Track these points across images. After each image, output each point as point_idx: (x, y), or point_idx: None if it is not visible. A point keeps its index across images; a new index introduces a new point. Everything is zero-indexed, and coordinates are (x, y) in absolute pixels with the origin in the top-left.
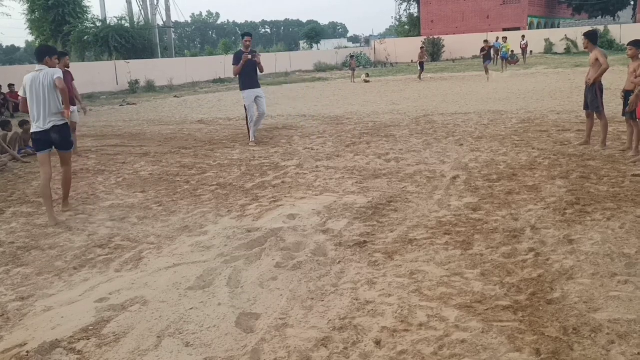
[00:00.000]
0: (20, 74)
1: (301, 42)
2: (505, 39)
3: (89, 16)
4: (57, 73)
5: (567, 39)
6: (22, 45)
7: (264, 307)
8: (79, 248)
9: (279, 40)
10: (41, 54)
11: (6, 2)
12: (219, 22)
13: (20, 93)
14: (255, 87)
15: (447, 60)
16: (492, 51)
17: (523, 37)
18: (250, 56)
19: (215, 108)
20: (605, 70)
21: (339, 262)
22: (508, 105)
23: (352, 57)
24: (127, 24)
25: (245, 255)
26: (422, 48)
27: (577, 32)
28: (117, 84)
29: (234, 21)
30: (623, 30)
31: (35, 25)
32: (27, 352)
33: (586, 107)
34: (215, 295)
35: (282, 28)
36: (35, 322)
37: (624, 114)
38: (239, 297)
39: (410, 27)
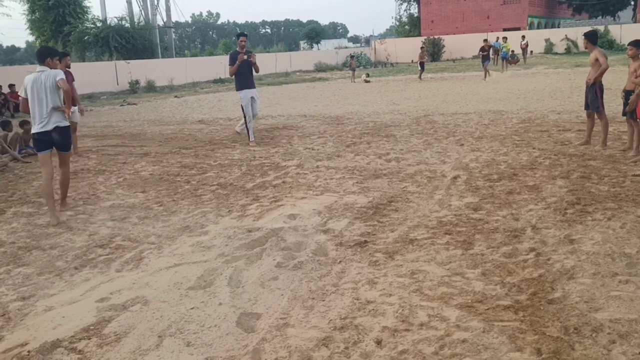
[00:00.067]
0: (20, 74)
1: (301, 42)
2: (505, 39)
3: (89, 16)
4: (59, 74)
5: (568, 39)
6: (23, 45)
7: (265, 306)
8: (80, 248)
9: (279, 41)
10: (42, 55)
11: (6, 2)
12: (219, 22)
13: (21, 93)
14: (251, 87)
15: (448, 60)
16: (491, 51)
17: (523, 37)
18: (245, 56)
19: (215, 108)
20: (604, 70)
21: (340, 261)
22: (508, 105)
23: (352, 57)
24: (127, 24)
25: (246, 255)
26: (422, 48)
27: (577, 32)
28: (118, 84)
29: (234, 21)
30: (623, 31)
31: (35, 25)
32: (28, 351)
33: (587, 107)
34: (216, 295)
35: (282, 28)
36: (37, 322)
37: (624, 114)
38: (239, 297)
39: (410, 27)
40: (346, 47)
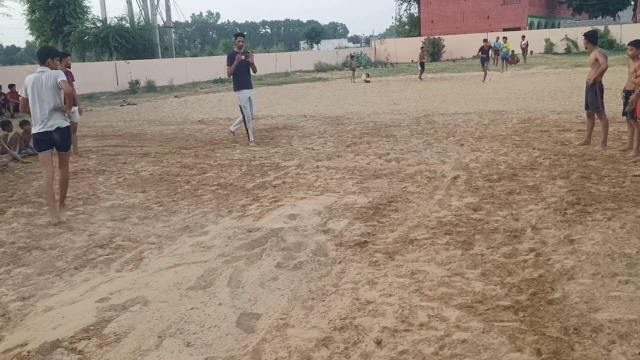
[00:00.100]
0: (20, 74)
1: (301, 42)
2: (505, 39)
3: (89, 16)
4: (60, 75)
5: (568, 39)
6: (23, 45)
7: (265, 307)
8: (80, 248)
9: (279, 41)
10: (43, 55)
11: (6, 2)
12: (219, 22)
13: (21, 93)
14: (248, 87)
15: (447, 60)
16: (491, 51)
17: (523, 37)
18: (243, 56)
19: (215, 108)
20: (604, 70)
21: (340, 262)
22: (508, 105)
23: (352, 57)
24: (127, 24)
25: (246, 255)
26: (422, 48)
27: (577, 32)
28: (118, 84)
29: (234, 21)
30: (623, 31)
31: (35, 25)
32: (28, 352)
33: (587, 107)
34: (216, 295)
35: (283, 28)
36: (36, 322)
37: (624, 114)
38: (239, 297)
39: (410, 27)
40: (346, 47)
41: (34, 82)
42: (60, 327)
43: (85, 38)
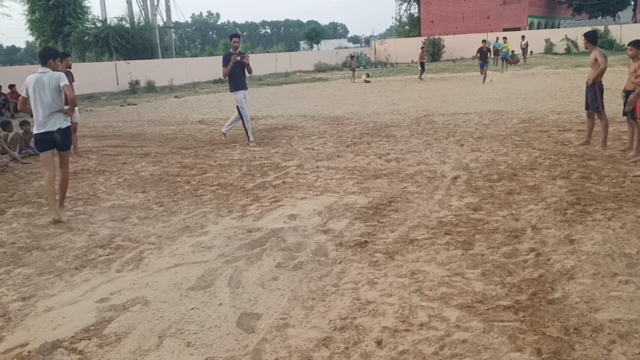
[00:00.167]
0: (20, 74)
1: (301, 43)
2: (505, 39)
3: (89, 17)
4: (63, 79)
5: (568, 39)
6: (23, 45)
7: (265, 307)
8: (80, 248)
9: (279, 41)
10: (45, 56)
11: (6, 2)
12: (219, 22)
13: (21, 92)
14: (244, 88)
15: (447, 60)
16: (491, 52)
17: (523, 37)
18: (239, 57)
19: (215, 108)
20: (603, 70)
21: (340, 262)
22: (508, 106)
23: (352, 57)
24: (127, 25)
25: (246, 256)
26: (422, 48)
27: (577, 32)
28: (118, 84)
29: (234, 21)
30: (623, 31)
31: (35, 25)
32: (29, 352)
33: (587, 107)
34: (216, 295)
35: (283, 28)
36: (37, 322)
37: (624, 114)
38: (240, 297)
39: (410, 27)
40: (346, 47)
41: (35, 82)
42: (60, 327)
43: (85, 38)
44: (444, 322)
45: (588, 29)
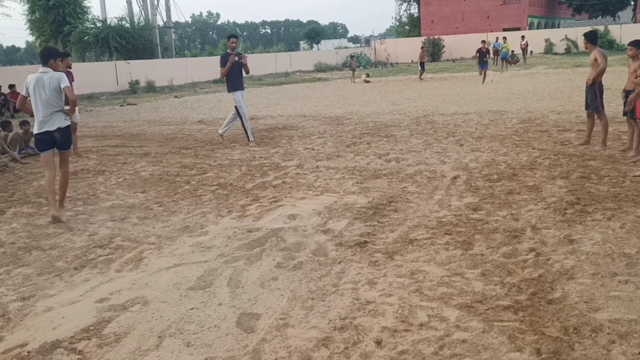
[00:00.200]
0: (20, 74)
1: (301, 43)
2: (505, 39)
3: (89, 16)
4: (64, 80)
5: (568, 39)
6: (23, 45)
7: (265, 307)
8: (80, 248)
9: (279, 41)
10: (46, 56)
11: (6, 2)
12: (219, 22)
13: (21, 91)
14: (241, 88)
15: (447, 60)
16: (491, 52)
17: (523, 37)
18: (237, 58)
19: (215, 108)
20: (603, 70)
21: (340, 262)
22: (508, 106)
23: (352, 57)
24: (127, 25)
25: (245, 256)
26: (422, 48)
27: (577, 32)
28: (118, 84)
29: (234, 21)
30: (623, 31)
31: (35, 25)
32: (28, 352)
33: (587, 107)
34: (215, 295)
35: (282, 28)
36: (36, 322)
37: (624, 114)
38: (239, 297)
39: (410, 27)
40: (346, 47)
41: (35, 82)
42: (60, 327)
43: (85, 38)
44: (443, 322)
45: (588, 29)
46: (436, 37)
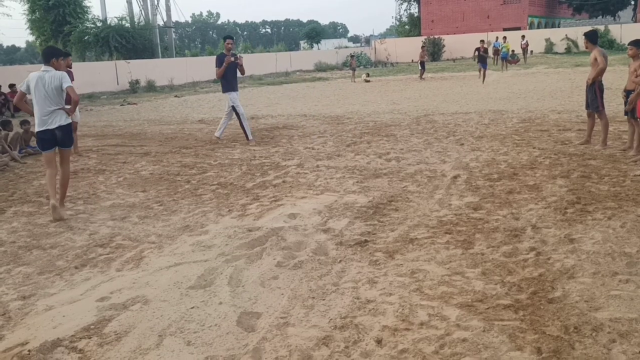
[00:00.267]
0: (20, 74)
1: (301, 42)
2: (504, 38)
3: (90, 16)
4: (66, 80)
5: (568, 38)
6: (23, 45)
7: (265, 306)
8: (80, 247)
9: (280, 40)
10: (48, 55)
11: (6, 2)
12: (219, 22)
13: (21, 88)
14: (236, 89)
15: (448, 60)
16: (491, 51)
17: (523, 37)
18: (232, 58)
19: (215, 108)
20: (603, 70)
21: (340, 261)
22: (509, 105)
23: (352, 56)
24: (127, 24)
25: (246, 255)
26: (423, 47)
27: (577, 31)
28: (118, 84)
29: (234, 21)
30: (623, 30)
31: (35, 25)
32: (29, 350)
33: (587, 106)
34: (216, 294)
35: (283, 28)
36: (37, 321)
37: (625, 113)
38: (240, 296)
39: (410, 27)
40: (346, 47)
41: (37, 80)
42: (60, 326)
43: (86, 38)
44: (444, 321)
45: (588, 28)
46: (436, 36)
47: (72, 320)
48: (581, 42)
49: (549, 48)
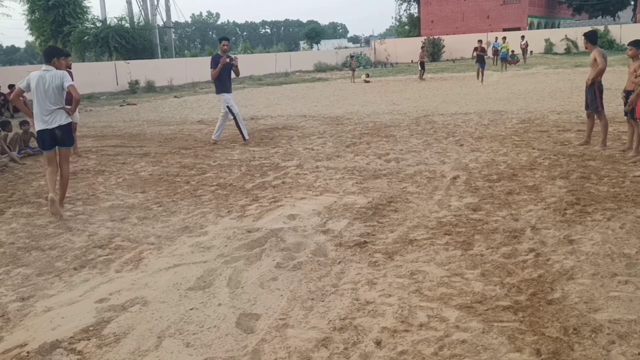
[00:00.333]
0: (20, 74)
1: (301, 43)
2: (504, 38)
3: (89, 16)
4: (67, 80)
5: (567, 39)
6: (22, 45)
7: (264, 307)
8: (79, 248)
9: (279, 41)
10: (49, 54)
11: (6, 2)
12: (219, 22)
13: (20, 85)
14: (230, 91)
15: (447, 60)
16: (491, 51)
17: (522, 37)
18: (228, 59)
19: (215, 108)
20: (602, 70)
21: (339, 262)
22: (508, 106)
23: (352, 57)
24: (127, 25)
25: (245, 256)
26: (422, 48)
27: (577, 32)
28: (117, 84)
29: (234, 21)
30: (623, 30)
31: (35, 25)
32: (28, 352)
33: (587, 107)
34: (215, 295)
35: (282, 28)
36: (36, 323)
37: (625, 114)
38: (239, 298)
39: (410, 27)
40: (346, 47)
41: (38, 79)
42: (59, 328)
43: (85, 38)
44: (443, 322)
45: (588, 29)
46: (436, 37)
47: (71, 322)
48: (581, 42)
49: (549, 48)
